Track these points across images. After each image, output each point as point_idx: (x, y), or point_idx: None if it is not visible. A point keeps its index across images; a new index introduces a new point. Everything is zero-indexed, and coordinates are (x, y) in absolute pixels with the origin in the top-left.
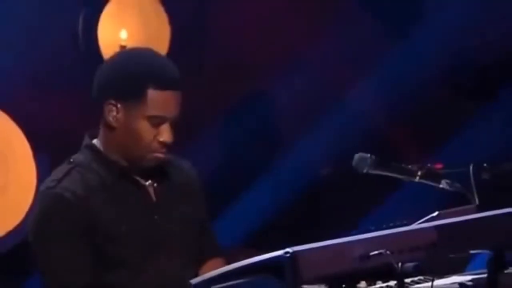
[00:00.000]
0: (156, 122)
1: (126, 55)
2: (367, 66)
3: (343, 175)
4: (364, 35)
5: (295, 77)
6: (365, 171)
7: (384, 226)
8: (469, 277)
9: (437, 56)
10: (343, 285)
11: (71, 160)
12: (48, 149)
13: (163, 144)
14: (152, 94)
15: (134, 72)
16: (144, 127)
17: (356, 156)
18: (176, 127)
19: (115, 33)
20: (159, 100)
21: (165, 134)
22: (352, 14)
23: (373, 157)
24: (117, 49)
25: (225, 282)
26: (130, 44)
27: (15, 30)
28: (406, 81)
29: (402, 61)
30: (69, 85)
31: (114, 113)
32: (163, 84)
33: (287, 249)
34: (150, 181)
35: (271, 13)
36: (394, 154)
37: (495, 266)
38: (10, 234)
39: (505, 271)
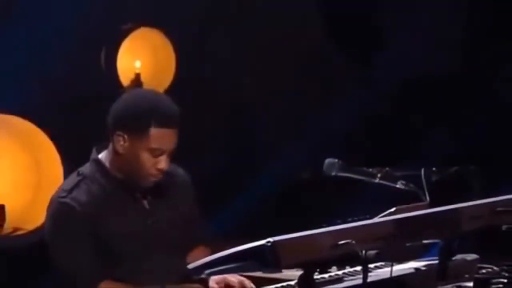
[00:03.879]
0: (156, 153)
1: (136, 95)
2: (337, 89)
3: (319, 178)
4: (334, 62)
5: (279, 98)
6: (333, 174)
7: (350, 219)
8: (424, 263)
9: (392, 80)
10: (317, 270)
11: (80, 172)
12: (72, 155)
13: (160, 171)
14: (154, 131)
15: (141, 112)
16: (145, 157)
17: (326, 161)
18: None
19: (131, 62)
20: (160, 136)
21: (163, 163)
22: (325, 46)
23: (340, 162)
24: (132, 76)
25: (217, 266)
26: (143, 71)
27: (53, 60)
28: (369, 99)
29: (365, 83)
30: (93, 104)
31: (122, 143)
32: (163, 123)
33: (269, 239)
34: (144, 193)
35: (258, 45)
36: (361, 160)
37: (445, 253)
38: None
39: (453, 258)
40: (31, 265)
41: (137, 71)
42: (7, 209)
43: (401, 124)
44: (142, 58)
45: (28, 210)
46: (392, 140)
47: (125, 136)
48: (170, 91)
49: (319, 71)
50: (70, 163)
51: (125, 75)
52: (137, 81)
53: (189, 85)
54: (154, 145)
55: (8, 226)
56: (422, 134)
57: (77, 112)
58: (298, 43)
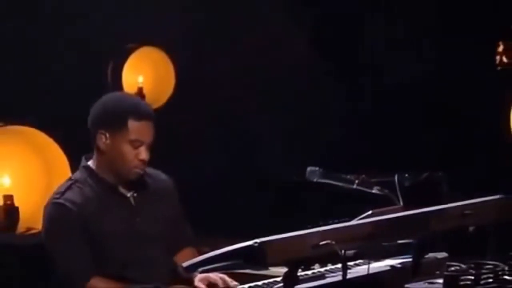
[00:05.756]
0: (136, 145)
1: (110, 97)
2: (322, 96)
3: (307, 182)
4: (319, 73)
5: (273, 105)
6: (315, 180)
7: (330, 221)
8: (399, 261)
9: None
10: (301, 267)
11: (72, 178)
12: (79, 161)
13: (142, 161)
14: (132, 123)
15: (118, 109)
16: (127, 149)
17: (308, 169)
18: (153, 148)
19: (135, 77)
20: (137, 128)
21: (143, 154)
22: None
23: (321, 169)
24: (136, 89)
25: (209, 264)
26: (145, 85)
27: (64, 76)
28: (352, 107)
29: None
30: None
31: (104, 140)
32: (139, 116)
33: (256, 240)
34: (131, 192)
35: (248, 62)
36: (345, 167)
37: (418, 252)
38: None
39: (425, 256)
40: (42, 262)
41: (140, 85)
42: (20, 210)
43: (385, 129)
44: (144, 74)
45: (40, 211)
46: (375, 145)
47: (107, 134)
48: (170, 102)
49: (310, 79)
50: (76, 165)
51: (129, 88)
52: (140, 94)
53: (188, 97)
54: (133, 136)
55: (21, 226)
56: (402, 139)
57: (85, 123)
58: (289, 53)
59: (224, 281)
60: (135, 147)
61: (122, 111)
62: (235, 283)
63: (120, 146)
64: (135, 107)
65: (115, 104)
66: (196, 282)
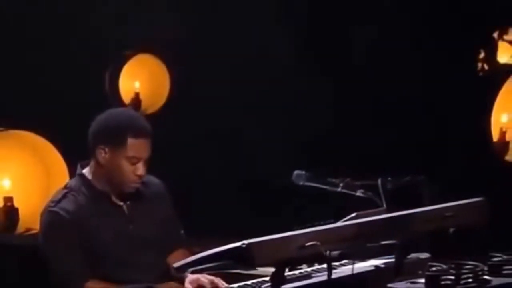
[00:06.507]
0: (134, 161)
1: (111, 113)
2: (318, 97)
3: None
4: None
5: (267, 109)
6: (301, 183)
7: (316, 223)
8: (383, 261)
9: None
10: (288, 267)
11: (67, 186)
12: (77, 162)
13: (139, 177)
14: (131, 141)
15: (118, 126)
16: (124, 164)
17: (294, 172)
18: (149, 162)
19: (131, 83)
20: (135, 146)
21: (140, 170)
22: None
23: (307, 173)
24: (132, 95)
25: (199, 265)
26: (142, 91)
27: (62, 78)
28: (346, 108)
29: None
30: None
31: (103, 155)
32: (138, 134)
33: (243, 241)
34: (124, 201)
35: (243, 67)
36: (330, 170)
37: (401, 252)
38: None
39: (408, 257)
40: (41, 263)
41: (137, 91)
42: (20, 211)
43: (382, 130)
44: (141, 80)
45: (39, 212)
46: (373, 145)
47: (106, 149)
48: (167, 104)
49: (306, 81)
50: (75, 172)
51: (126, 94)
52: (136, 99)
53: (184, 100)
54: (131, 153)
55: (20, 226)
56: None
57: (83, 127)
58: (277, 61)
59: (213, 283)
60: (132, 163)
61: (122, 128)
62: (225, 285)
63: (118, 162)
64: (134, 125)
65: (116, 121)
66: (186, 283)
